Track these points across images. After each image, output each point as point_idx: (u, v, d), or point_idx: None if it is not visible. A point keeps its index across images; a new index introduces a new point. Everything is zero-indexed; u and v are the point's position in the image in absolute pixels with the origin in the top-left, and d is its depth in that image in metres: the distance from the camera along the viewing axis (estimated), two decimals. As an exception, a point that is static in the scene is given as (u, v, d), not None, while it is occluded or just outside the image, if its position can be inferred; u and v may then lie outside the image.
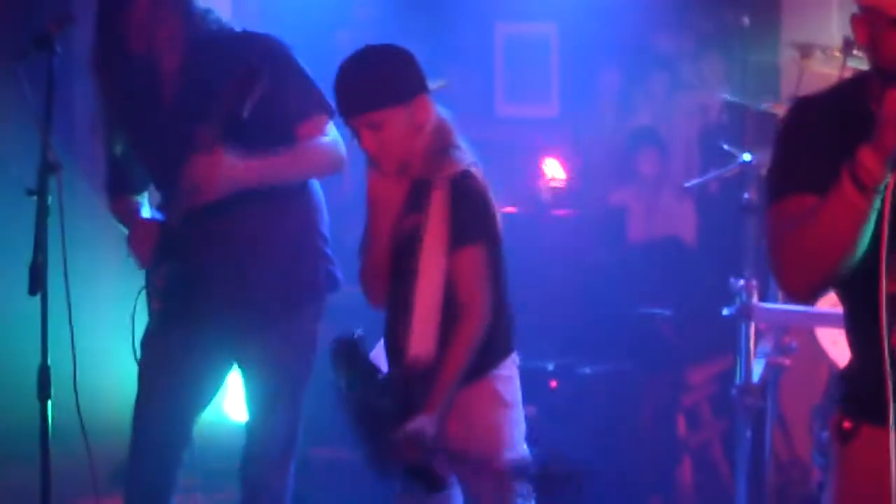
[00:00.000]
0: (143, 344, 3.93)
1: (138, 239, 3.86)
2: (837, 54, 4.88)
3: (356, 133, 3.35)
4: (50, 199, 3.46)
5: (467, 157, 3.38)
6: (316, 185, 4.01)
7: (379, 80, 3.32)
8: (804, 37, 5.29)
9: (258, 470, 3.95)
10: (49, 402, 3.47)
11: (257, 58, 3.62)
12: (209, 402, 4.04)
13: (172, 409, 3.93)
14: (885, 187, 2.30)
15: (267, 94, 3.65)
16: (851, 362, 2.61)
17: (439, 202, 3.32)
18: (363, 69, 3.34)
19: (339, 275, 4.01)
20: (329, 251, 4.01)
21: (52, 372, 3.47)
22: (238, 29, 3.91)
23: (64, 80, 3.61)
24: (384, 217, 3.40)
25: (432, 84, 3.46)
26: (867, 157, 2.28)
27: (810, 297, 2.54)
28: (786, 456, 5.29)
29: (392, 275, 3.43)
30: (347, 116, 3.35)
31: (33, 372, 3.46)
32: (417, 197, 3.36)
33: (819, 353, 4.80)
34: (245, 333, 3.89)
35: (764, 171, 4.72)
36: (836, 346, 4.72)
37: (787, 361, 4.93)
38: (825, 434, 4.81)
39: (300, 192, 3.94)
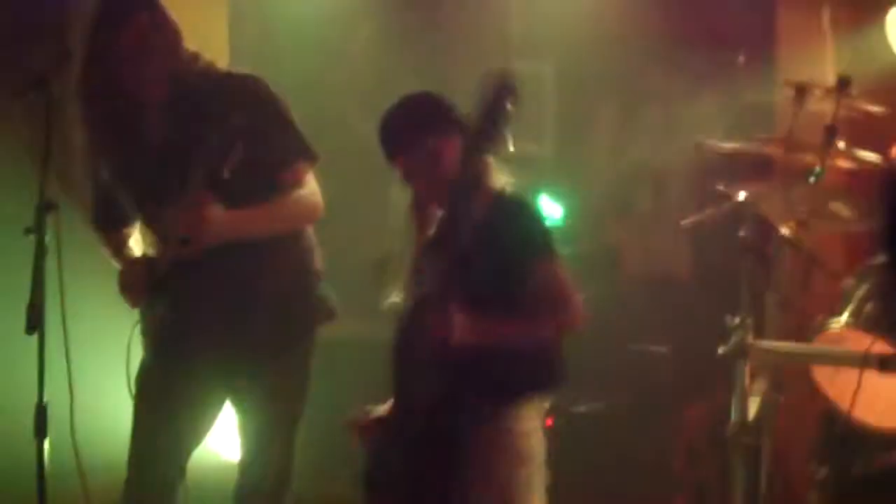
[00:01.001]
0: (138, 381, 3.93)
1: (129, 279, 3.87)
2: (832, 93, 4.89)
3: (411, 166, 3.42)
4: (47, 237, 3.46)
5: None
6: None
7: (438, 112, 3.53)
8: (799, 75, 5.30)
9: (252, 505, 3.95)
10: (46, 441, 3.47)
11: (239, 111, 3.60)
12: (203, 437, 4.04)
13: (167, 446, 3.93)
14: None
15: (250, 139, 3.64)
16: None
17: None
18: (418, 104, 3.52)
19: (335, 308, 4.02)
20: (322, 286, 4.01)
21: (49, 410, 3.46)
22: (226, 70, 3.92)
23: (60, 117, 3.61)
24: None
25: None
26: None
27: None
28: (782, 492, 5.27)
29: None
30: (416, 138, 3.44)
31: (30, 410, 3.45)
32: None
33: (815, 391, 4.79)
34: (238, 370, 3.89)
35: (763, 208, 4.76)
36: (833, 384, 4.71)
37: (783, 399, 4.92)
38: (821, 471, 4.82)
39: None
